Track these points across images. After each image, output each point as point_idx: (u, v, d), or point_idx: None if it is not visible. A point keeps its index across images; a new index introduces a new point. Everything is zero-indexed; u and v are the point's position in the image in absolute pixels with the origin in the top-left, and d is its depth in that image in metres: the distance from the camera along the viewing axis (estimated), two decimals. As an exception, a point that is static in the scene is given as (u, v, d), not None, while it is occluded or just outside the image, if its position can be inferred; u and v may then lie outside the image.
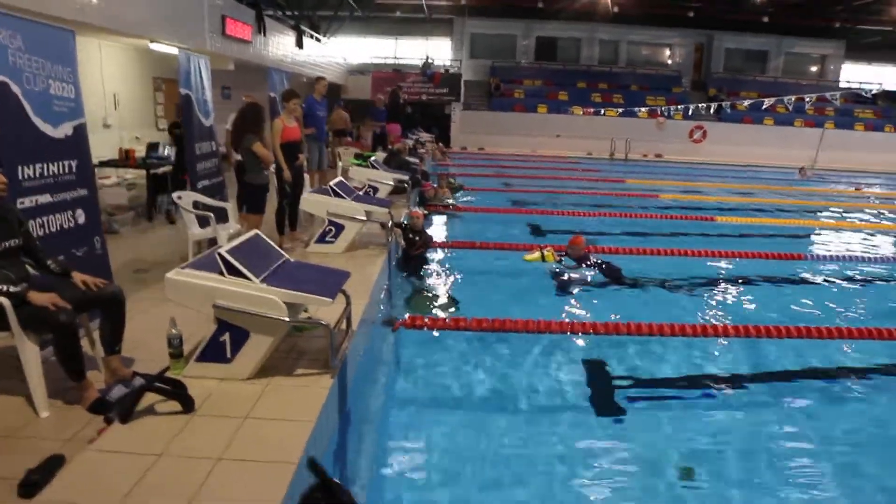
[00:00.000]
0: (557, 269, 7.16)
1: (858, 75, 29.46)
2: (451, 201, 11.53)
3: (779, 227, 10.99)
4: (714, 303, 6.63)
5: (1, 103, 3.68)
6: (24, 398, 3.29)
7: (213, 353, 3.39)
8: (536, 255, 7.41)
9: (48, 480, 2.49)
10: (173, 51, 6.97)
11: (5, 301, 3.11)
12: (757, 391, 4.73)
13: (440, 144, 20.38)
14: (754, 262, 8.09)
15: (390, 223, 6.86)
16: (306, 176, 9.75)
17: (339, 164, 12.19)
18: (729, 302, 6.70)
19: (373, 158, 10.21)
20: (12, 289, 3.15)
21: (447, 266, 7.51)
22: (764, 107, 15.80)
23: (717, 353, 5.30)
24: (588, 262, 7.07)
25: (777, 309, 6.40)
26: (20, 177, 3.80)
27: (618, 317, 5.75)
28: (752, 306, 6.50)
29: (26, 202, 3.84)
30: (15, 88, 3.78)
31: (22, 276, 3.37)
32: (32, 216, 3.84)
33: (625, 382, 4.77)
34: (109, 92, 10.62)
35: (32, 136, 3.94)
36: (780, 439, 4.00)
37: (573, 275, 7.01)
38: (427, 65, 25.84)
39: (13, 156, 3.73)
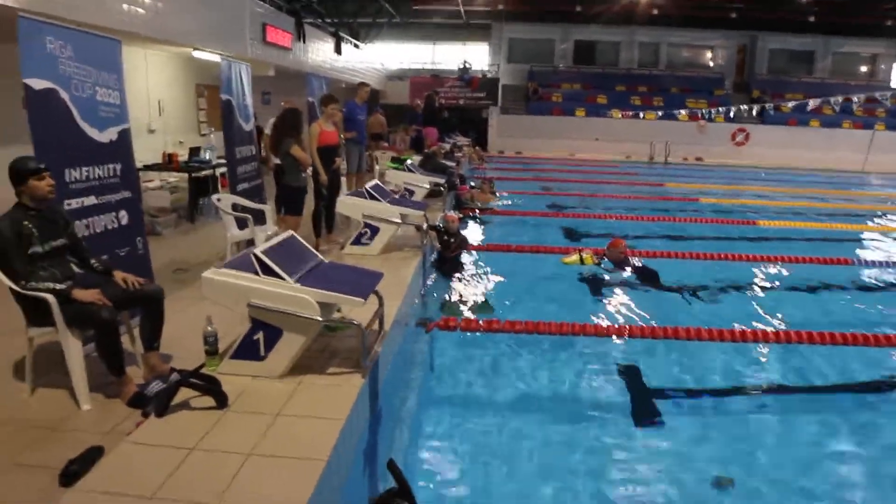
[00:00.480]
0: (596, 272, 7.09)
1: (911, 75, 28.38)
2: (494, 204, 11.54)
3: (824, 230, 10.65)
4: (755, 308, 6.46)
5: (50, 109, 3.84)
6: (67, 391, 3.42)
7: (247, 350, 3.46)
8: (575, 257, 7.33)
9: (87, 470, 2.58)
10: (215, 58, 7.15)
11: (51, 298, 3.24)
12: (799, 400, 4.58)
13: (477, 148, 20.39)
14: (798, 266, 7.86)
15: (425, 226, 6.89)
16: (344, 179, 9.90)
17: (376, 167, 12.30)
18: (771, 307, 6.50)
19: (409, 162, 10.26)
20: (58, 286, 3.27)
21: (482, 269, 7.50)
22: (809, 108, 15.33)
23: (758, 360, 5.16)
24: (627, 266, 6.97)
25: (822, 315, 6.21)
26: (67, 179, 3.95)
27: (654, 321, 5.67)
28: (796, 312, 6.31)
29: (73, 203, 3.99)
30: (63, 95, 3.94)
31: (67, 275, 3.51)
32: (78, 217, 3.99)
33: (660, 388, 4.68)
34: (154, 98, 10.95)
35: (79, 140, 4.10)
36: (821, 451, 3.86)
37: (610, 278, 6.93)
38: (464, 69, 25.88)
39: (61, 159, 3.88)
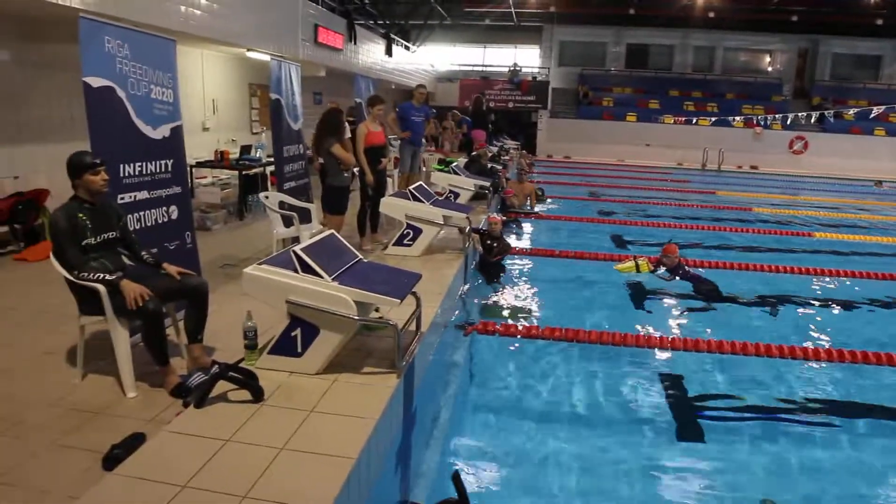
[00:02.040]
0: (646, 280, 6.92)
1: None
2: (538, 209, 11.45)
3: (884, 245, 10.19)
4: (808, 324, 6.23)
5: (107, 106, 3.98)
6: (114, 379, 3.55)
7: (284, 346, 3.51)
8: (630, 264, 7.10)
9: (128, 456, 2.66)
10: (268, 58, 7.30)
11: (101, 287, 3.36)
12: (850, 422, 4.37)
13: (524, 152, 20.29)
14: (855, 281, 7.54)
15: (468, 228, 6.88)
16: (397, 178, 10.00)
17: (424, 169, 12.36)
18: (825, 323, 6.26)
19: (455, 164, 10.28)
20: (108, 277, 3.39)
21: (525, 274, 7.45)
22: (872, 115, 14.69)
23: (809, 378, 4.96)
24: (681, 272, 6.77)
25: (879, 333, 5.94)
26: (121, 174, 4.10)
27: (702, 333, 5.52)
28: (851, 329, 6.06)
29: (126, 198, 4.13)
30: (120, 93, 4.08)
31: (118, 266, 3.63)
32: (130, 211, 4.13)
33: (703, 402, 4.55)
34: (209, 97, 11.25)
35: (134, 136, 4.24)
36: (872, 477, 3.69)
37: (663, 286, 6.76)
38: (514, 72, 25.79)
39: (116, 155, 4.02)
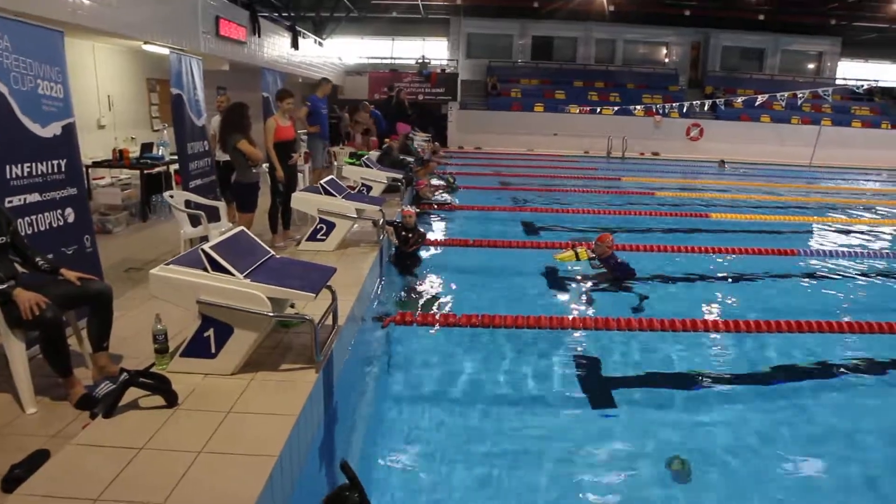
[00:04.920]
0: (558, 266, 7.10)
1: (855, 72, 29.41)
2: (450, 199, 11.55)
3: (775, 223, 11.00)
4: (708, 298, 6.66)
5: (-13, 103, 3.71)
6: (11, 395, 3.33)
7: (197, 348, 3.41)
8: (569, 253, 7.23)
9: (30, 475, 2.51)
10: (166, 52, 6.98)
11: (-9, 298, 3.14)
12: (750, 389, 4.72)
13: (436, 144, 20.40)
14: (749, 258, 8.11)
15: (381, 221, 6.88)
16: (308, 174, 9.83)
17: (334, 163, 12.21)
18: (722, 298, 6.72)
19: (366, 157, 10.22)
20: (-1, 286, 3.18)
21: (440, 264, 7.52)
22: (758, 103, 15.82)
23: (710, 349, 5.32)
24: (612, 261, 6.89)
25: (771, 303, 6.43)
26: (8, 176, 3.83)
27: (613, 313, 5.78)
28: (746, 302, 6.52)
29: (14, 201, 3.87)
30: (2, 88, 3.81)
31: (10, 274, 3.40)
32: (21, 215, 3.87)
33: (617, 378, 4.77)
34: (104, 93, 10.62)
35: (20, 135, 3.97)
36: (769, 437, 3.98)
37: (581, 272, 6.96)
38: (423, 65, 25.84)
39: (2, 155, 3.76)
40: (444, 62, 27.69)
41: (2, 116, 3.81)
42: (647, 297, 6.44)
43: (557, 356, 5.04)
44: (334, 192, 6.69)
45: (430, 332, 5.42)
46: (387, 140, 13.20)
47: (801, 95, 14.64)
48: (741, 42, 28.67)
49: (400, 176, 9.73)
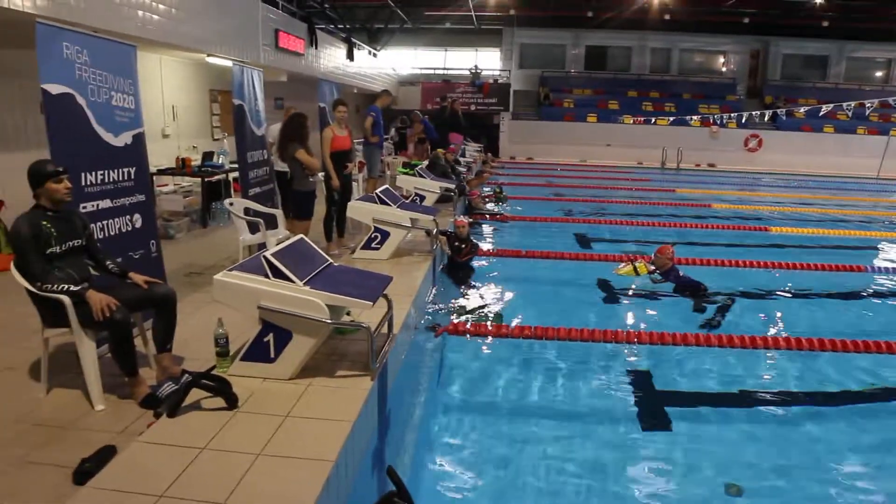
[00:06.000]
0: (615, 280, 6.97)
1: (928, 80, 28.09)
2: (501, 210, 11.53)
3: (838, 237, 10.56)
4: (768, 315, 6.43)
5: (67, 114, 3.90)
6: (81, 392, 3.47)
7: (257, 352, 3.49)
8: (628, 268, 7.09)
9: (99, 469, 2.62)
10: (229, 64, 7.22)
11: (66, 299, 3.29)
12: (816, 409, 4.51)
13: (488, 154, 20.44)
14: (811, 273, 7.80)
15: (435, 230, 6.91)
16: (362, 182, 9.98)
17: (388, 172, 12.36)
18: (784, 314, 6.46)
19: (419, 167, 10.31)
20: (73, 288, 3.32)
21: (493, 274, 7.51)
22: (822, 113, 15.25)
23: (774, 367, 5.11)
24: (673, 274, 6.72)
25: (835, 322, 6.16)
26: (83, 183, 4.02)
27: (668, 327, 5.65)
28: (810, 319, 6.26)
29: (88, 206, 4.05)
30: (80, 100, 4.01)
31: (83, 276, 3.56)
32: (93, 220, 4.05)
33: (671, 393, 4.66)
34: (168, 103, 11.05)
35: (95, 144, 4.16)
36: (834, 460, 3.82)
37: (635, 284, 6.81)
38: (476, 75, 25.94)
39: (77, 163, 3.94)
40: (497, 72, 27.72)
41: (79, 127, 4.01)
42: (703, 311, 6.28)
43: (611, 370, 4.95)
44: (389, 202, 6.76)
45: (483, 342, 5.40)
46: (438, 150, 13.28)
47: (868, 105, 14.05)
48: (803, 49, 27.73)
49: (453, 186, 9.77)
